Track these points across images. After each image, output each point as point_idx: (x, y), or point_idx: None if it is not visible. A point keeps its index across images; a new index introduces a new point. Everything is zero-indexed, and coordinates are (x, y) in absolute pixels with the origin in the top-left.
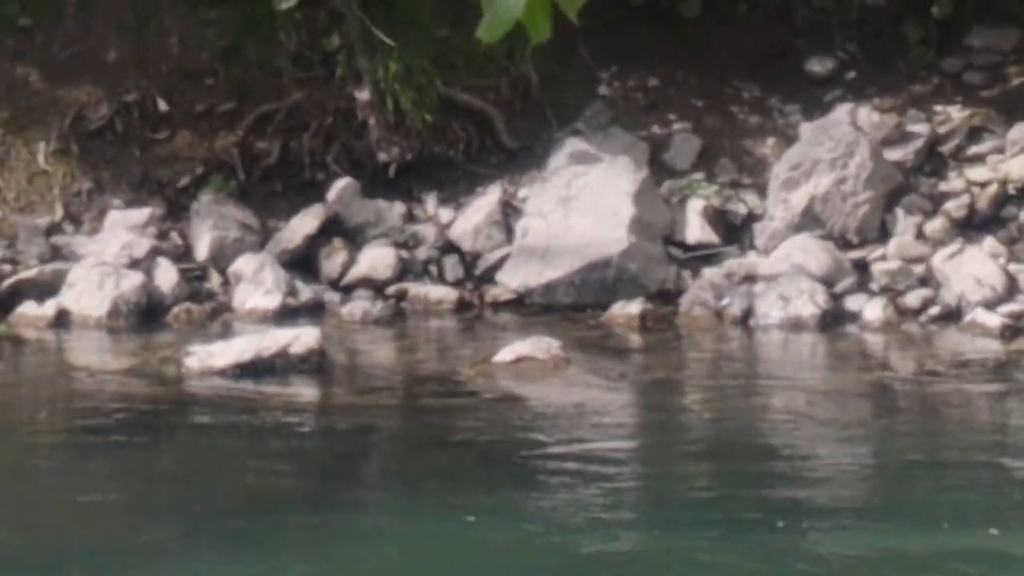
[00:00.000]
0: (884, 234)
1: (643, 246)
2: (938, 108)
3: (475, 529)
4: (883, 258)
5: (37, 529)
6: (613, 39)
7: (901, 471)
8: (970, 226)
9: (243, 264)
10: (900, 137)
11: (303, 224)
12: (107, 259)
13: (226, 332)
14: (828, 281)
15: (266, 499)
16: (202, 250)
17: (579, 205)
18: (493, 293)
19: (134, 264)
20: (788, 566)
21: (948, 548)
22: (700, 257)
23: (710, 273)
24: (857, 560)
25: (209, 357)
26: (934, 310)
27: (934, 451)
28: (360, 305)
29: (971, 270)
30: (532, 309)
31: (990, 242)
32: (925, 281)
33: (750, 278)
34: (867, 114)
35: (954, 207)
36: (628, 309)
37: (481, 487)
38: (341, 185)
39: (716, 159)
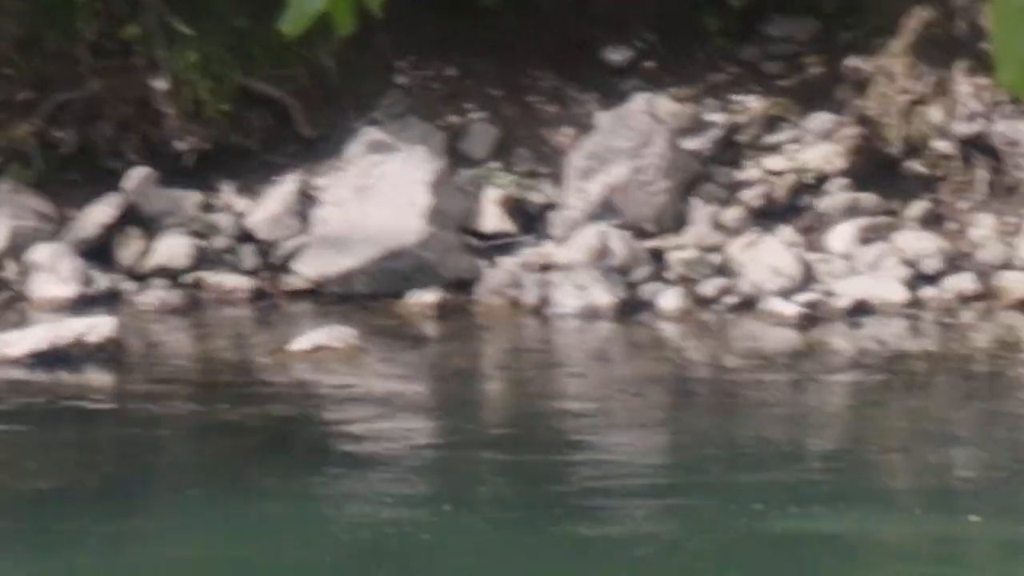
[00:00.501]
0: (681, 223)
1: (440, 235)
2: (735, 98)
3: (272, 515)
4: (680, 247)
5: None
6: (411, 28)
7: (695, 456)
8: (767, 215)
9: (39, 253)
10: (697, 127)
11: (100, 213)
12: None
13: (22, 321)
14: (624, 270)
15: (60, 489)
16: None
17: (376, 194)
18: (290, 282)
19: None
20: (570, 547)
21: (740, 528)
22: (497, 246)
23: (507, 262)
24: (639, 539)
25: (4, 346)
26: (731, 299)
27: (726, 437)
28: (157, 294)
29: (767, 259)
30: (329, 298)
31: (786, 231)
32: (722, 270)
33: (547, 267)
34: (664, 104)
35: (751, 196)
36: (425, 298)
37: (277, 474)
38: (138, 174)
39: (513, 148)
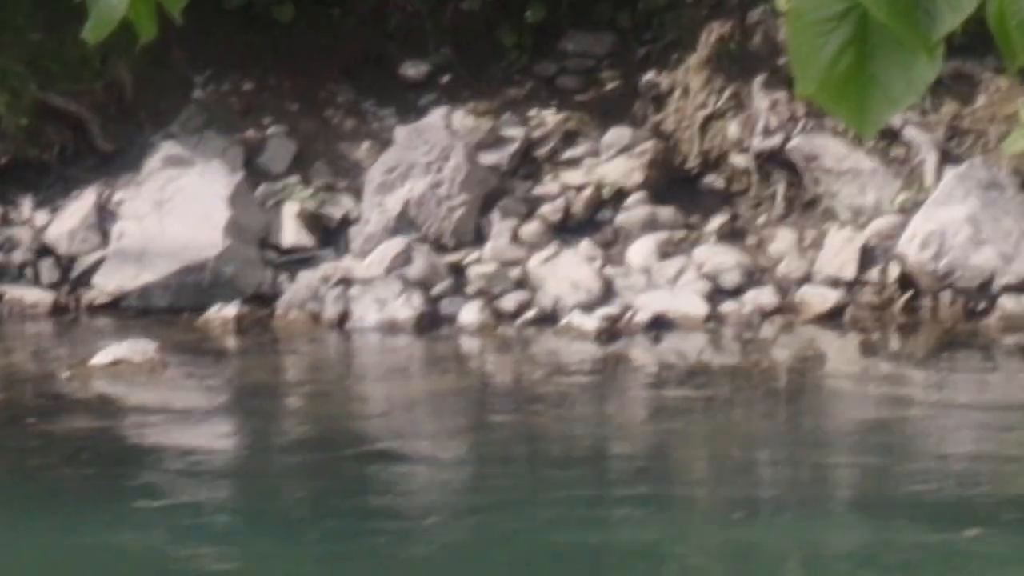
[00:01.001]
0: (480, 238)
1: (239, 249)
2: (533, 112)
3: (70, 530)
4: (479, 261)
5: None
6: (207, 43)
7: (493, 471)
8: (566, 230)
9: None
10: (495, 141)
11: None
12: None
13: None
14: (424, 284)
15: None
16: None
17: (174, 208)
18: (90, 296)
19: None
20: (369, 563)
21: (537, 541)
22: (296, 260)
23: (306, 276)
24: (437, 555)
25: None
26: (530, 313)
27: (525, 452)
28: None
29: (567, 273)
30: (129, 312)
31: (585, 245)
32: (521, 284)
33: (346, 281)
34: (462, 118)
35: (549, 211)
36: (224, 312)
37: (77, 488)
38: None
39: (311, 163)
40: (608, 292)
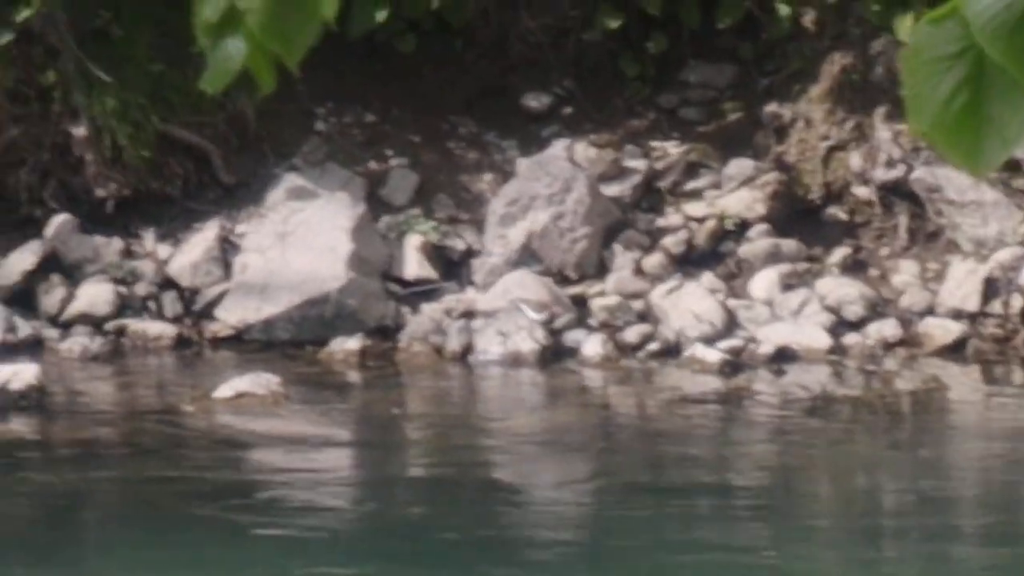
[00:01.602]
0: (602, 270)
1: (361, 282)
2: (655, 144)
3: (198, 564)
4: (601, 294)
5: None
6: (329, 75)
7: (622, 504)
8: (688, 262)
9: None
10: (617, 172)
11: (21, 260)
12: None
13: None
14: (548, 317)
15: None
16: None
17: (297, 241)
18: (212, 329)
19: None
20: None
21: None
22: (419, 293)
23: (429, 309)
24: None
25: None
26: (653, 346)
27: (652, 484)
28: (79, 341)
29: (689, 306)
30: (251, 345)
31: (708, 277)
32: (644, 317)
33: (469, 314)
34: (584, 149)
35: (672, 243)
36: (347, 345)
37: (202, 523)
38: (59, 221)
39: (433, 195)
40: (731, 324)
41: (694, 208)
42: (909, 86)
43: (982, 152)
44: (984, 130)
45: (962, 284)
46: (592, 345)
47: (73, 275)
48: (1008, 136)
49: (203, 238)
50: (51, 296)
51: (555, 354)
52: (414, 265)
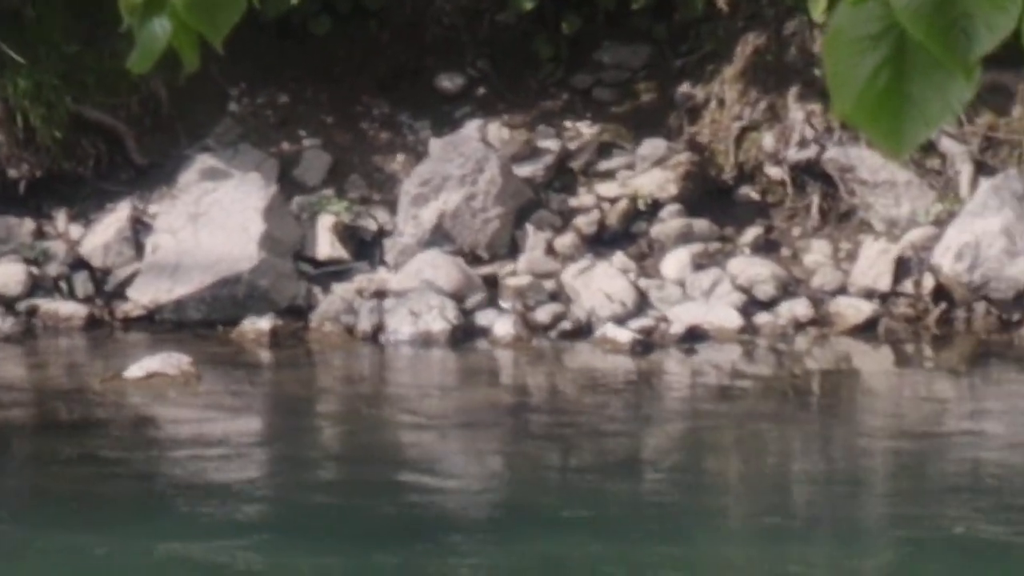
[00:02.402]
0: (514, 250)
1: (273, 262)
2: (568, 124)
3: (103, 544)
4: (513, 274)
5: None
6: (243, 55)
7: (530, 485)
8: (600, 242)
9: None
10: (530, 153)
11: None
12: None
13: None
14: (458, 297)
15: None
16: None
17: (209, 221)
18: (124, 309)
19: None
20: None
21: (570, 552)
22: (331, 273)
23: (340, 289)
24: (473, 570)
25: None
26: (565, 326)
27: (559, 465)
28: None
29: (601, 285)
30: (163, 325)
31: (620, 258)
32: (555, 297)
33: (380, 294)
34: (497, 130)
35: (584, 223)
36: (258, 325)
37: (108, 503)
38: None
39: (346, 175)
40: (642, 304)
41: (606, 188)
42: (831, 67)
43: (904, 132)
44: (906, 110)
45: (874, 264)
46: (503, 325)
47: None
48: (929, 116)
49: (115, 219)
50: None
51: (466, 334)
52: (326, 245)
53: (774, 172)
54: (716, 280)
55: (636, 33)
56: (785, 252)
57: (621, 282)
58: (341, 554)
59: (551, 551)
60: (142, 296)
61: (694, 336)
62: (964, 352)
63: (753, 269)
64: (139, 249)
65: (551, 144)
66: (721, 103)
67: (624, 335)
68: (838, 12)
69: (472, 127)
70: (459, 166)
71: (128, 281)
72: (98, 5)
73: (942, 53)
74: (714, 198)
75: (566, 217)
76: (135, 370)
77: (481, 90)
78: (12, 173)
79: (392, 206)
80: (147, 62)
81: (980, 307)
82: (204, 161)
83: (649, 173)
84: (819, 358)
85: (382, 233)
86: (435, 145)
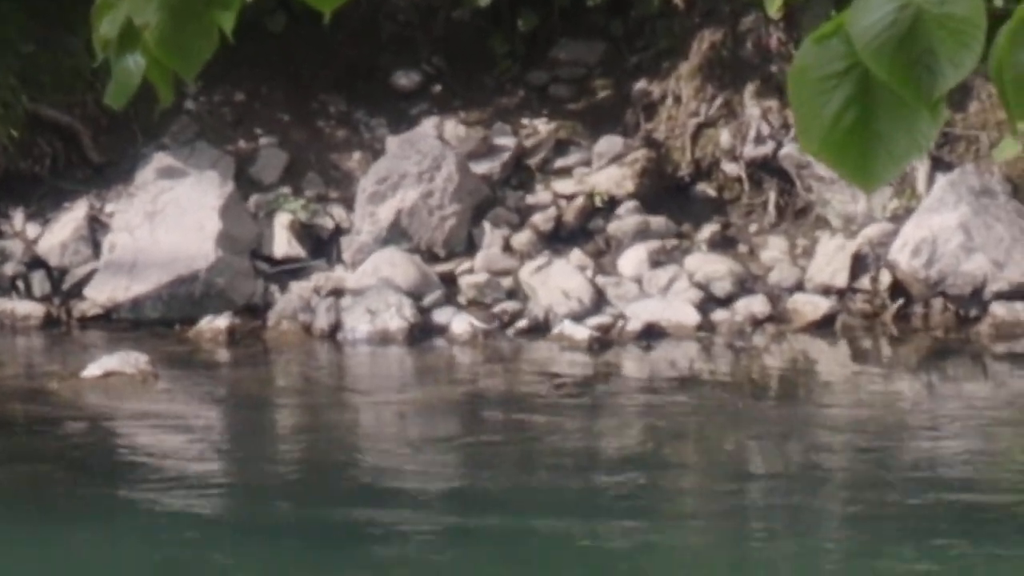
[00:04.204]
0: (471, 247)
1: (230, 260)
2: (524, 121)
3: (61, 542)
4: (470, 271)
5: None
6: None
7: (488, 481)
8: (557, 239)
9: None
10: (487, 150)
11: None
12: None
13: None
14: (416, 295)
15: None
16: None
17: (166, 220)
18: (81, 308)
19: None
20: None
21: (528, 549)
22: (288, 271)
23: (298, 287)
24: (431, 565)
25: None
26: (522, 323)
27: (516, 462)
28: None
29: (558, 283)
30: (120, 324)
31: (577, 255)
32: (513, 294)
33: (338, 292)
34: (453, 127)
35: (541, 220)
36: (215, 323)
37: (64, 503)
38: None
39: (303, 173)
40: (599, 301)
41: (563, 185)
42: (797, 105)
43: (872, 169)
44: (873, 147)
45: (831, 260)
46: (460, 323)
47: None
48: (896, 152)
49: (72, 217)
50: None
51: (423, 332)
52: (283, 243)
53: (731, 168)
54: (673, 277)
55: (592, 29)
56: (742, 249)
57: (578, 279)
58: (299, 548)
59: (509, 546)
60: (99, 295)
61: (651, 333)
62: (921, 348)
63: (710, 266)
64: (96, 248)
65: (508, 141)
66: (677, 100)
67: (581, 332)
68: (802, 50)
69: (429, 124)
70: (416, 163)
71: (85, 280)
72: (54, 5)
73: (906, 91)
74: (671, 195)
75: (523, 214)
76: (92, 369)
77: (437, 87)
78: None
79: (349, 204)
80: (123, 98)
81: (937, 303)
82: (161, 159)
83: (606, 170)
84: (776, 354)
85: (339, 231)
86: (392, 143)
